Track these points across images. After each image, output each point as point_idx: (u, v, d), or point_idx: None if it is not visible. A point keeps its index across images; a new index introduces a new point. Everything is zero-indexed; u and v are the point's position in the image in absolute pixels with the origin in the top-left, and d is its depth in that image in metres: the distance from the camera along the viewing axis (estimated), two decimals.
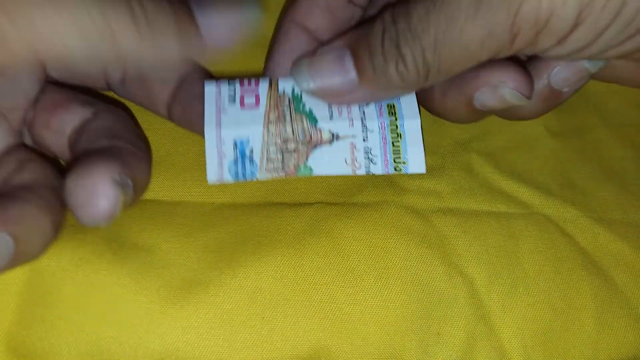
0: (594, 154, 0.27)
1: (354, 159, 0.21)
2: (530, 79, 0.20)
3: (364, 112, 0.22)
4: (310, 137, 0.21)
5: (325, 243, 0.23)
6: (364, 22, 0.20)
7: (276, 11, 0.26)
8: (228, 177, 0.20)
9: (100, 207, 0.16)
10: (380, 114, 0.22)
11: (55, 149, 0.21)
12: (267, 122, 0.21)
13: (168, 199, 0.23)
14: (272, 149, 0.21)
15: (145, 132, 0.23)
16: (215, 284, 0.21)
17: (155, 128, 0.24)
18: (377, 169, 0.21)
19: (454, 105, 0.21)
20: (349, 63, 0.20)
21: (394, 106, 0.22)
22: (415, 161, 0.21)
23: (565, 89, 0.21)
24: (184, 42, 0.18)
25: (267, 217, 0.23)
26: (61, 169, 0.20)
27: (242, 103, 0.22)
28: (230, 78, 0.22)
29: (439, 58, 0.17)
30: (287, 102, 0.22)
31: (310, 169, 0.21)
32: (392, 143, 0.21)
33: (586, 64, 0.19)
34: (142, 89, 0.21)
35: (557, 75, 0.20)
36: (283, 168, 0.21)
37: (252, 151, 0.21)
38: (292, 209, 0.24)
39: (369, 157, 0.21)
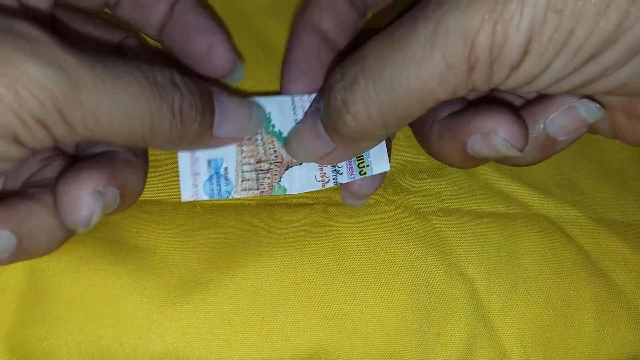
0: (594, 155, 0.27)
1: (323, 175, 0.22)
2: (524, 129, 0.19)
3: None
4: (282, 158, 0.22)
5: (326, 243, 0.23)
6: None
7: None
8: (203, 195, 0.21)
9: (80, 215, 0.17)
10: None
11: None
12: (240, 143, 0.22)
13: (168, 199, 0.23)
14: (247, 168, 0.22)
15: None
16: (215, 284, 0.21)
17: None
18: (344, 178, 0.22)
19: (449, 151, 0.21)
20: (322, 129, 0.20)
21: None
22: (378, 162, 0.22)
23: (562, 137, 0.20)
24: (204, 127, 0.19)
25: (267, 218, 0.23)
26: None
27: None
28: None
29: (395, 100, 0.17)
30: None
31: (284, 189, 0.22)
32: None
33: (583, 113, 0.19)
34: (136, 11, 0.23)
35: (554, 122, 0.19)
36: (258, 187, 0.22)
37: (226, 170, 0.22)
38: (292, 209, 0.24)
39: (335, 170, 0.22)
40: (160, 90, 0.17)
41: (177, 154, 0.21)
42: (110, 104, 0.16)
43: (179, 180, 0.21)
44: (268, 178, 0.22)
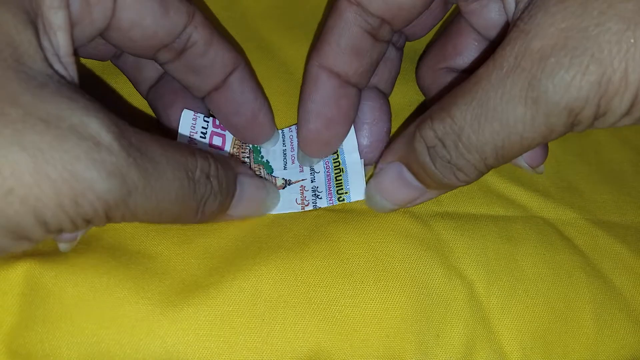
0: (593, 156, 0.28)
1: (303, 198, 0.24)
2: (545, 151, 0.21)
3: None
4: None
5: (325, 247, 0.23)
6: (403, 130, 0.21)
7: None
8: None
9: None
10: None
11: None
12: None
13: None
14: None
15: None
16: (215, 287, 0.21)
17: None
18: (323, 203, 0.24)
19: None
20: (410, 177, 0.21)
21: None
22: (356, 190, 0.24)
23: None
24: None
25: (268, 225, 0.23)
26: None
27: (211, 141, 0.24)
28: (205, 115, 0.24)
29: (500, 159, 0.18)
30: (247, 153, 0.24)
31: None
32: (335, 178, 0.24)
33: None
34: (190, 75, 0.23)
35: None
36: None
37: None
38: (292, 216, 0.24)
39: (316, 194, 0.24)
40: (195, 188, 0.18)
41: None
42: (151, 204, 0.17)
43: None
44: None
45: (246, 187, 0.22)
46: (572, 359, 0.23)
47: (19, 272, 0.20)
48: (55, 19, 0.17)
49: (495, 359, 0.22)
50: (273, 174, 0.25)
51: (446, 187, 0.21)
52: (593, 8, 0.15)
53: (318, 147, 0.23)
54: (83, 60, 0.26)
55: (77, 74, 0.17)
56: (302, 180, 0.24)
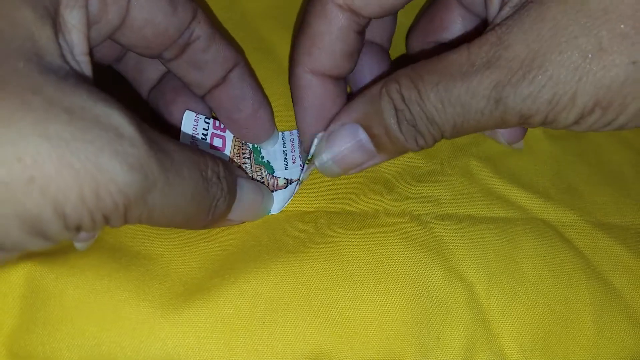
0: (593, 158, 0.27)
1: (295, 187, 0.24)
2: (523, 129, 0.23)
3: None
4: (269, 184, 0.24)
5: (325, 249, 0.23)
6: (362, 90, 0.21)
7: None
8: None
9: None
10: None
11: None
12: None
13: None
14: None
15: None
16: (216, 289, 0.21)
17: None
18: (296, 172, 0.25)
19: None
20: (365, 138, 0.21)
21: None
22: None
23: None
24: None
25: (268, 228, 0.23)
26: None
27: (211, 142, 0.24)
28: (206, 116, 0.24)
29: (455, 134, 0.20)
30: (247, 153, 0.24)
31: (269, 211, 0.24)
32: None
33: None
34: (191, 71, 0.23)
35: None
36: None
37: None
38: (292, 219, 0.24)
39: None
40: (208, 187, 0.19)
41: None
42: (168, 203, 0.17)
43: None
44: None
45: (245, 190, 0.22)
46: None
47: (19, 274, 0.20)
48: (71, 17, 0.17)
49: None
50: (275, 174, 0.25)
51: (400, 152, 0.21)
52: (561, 36, 0.17)
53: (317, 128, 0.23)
54: None
55: (92, 73, 0.17)
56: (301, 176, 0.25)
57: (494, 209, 0.25)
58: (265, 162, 0.25)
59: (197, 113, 0.24)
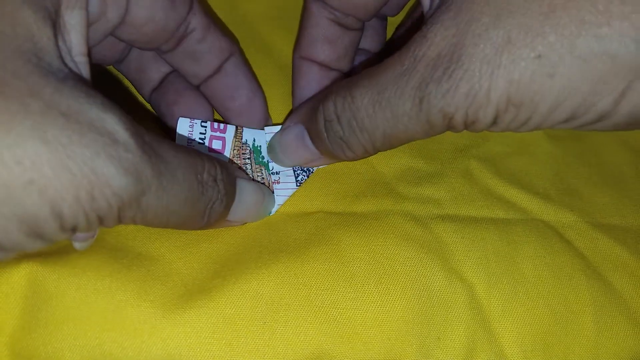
0: (593, 158, 0.28)
1: (296, 177, 0.25)
2: None
3: None
4: (268, 184, 0.24)
5: (326, 250, 0.23)
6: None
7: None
8: None
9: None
10: None
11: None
12: None
13: None
14: None
15: None
16: (217, 290, 0.21)
17: None
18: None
19: None
20: (309, 141, 0.22)
21: None
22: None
23: None
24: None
25: (269, 228, 0.23)
26: None
27: (210, 145, 0.24)
28: (202, 120, 0.24)
29: (386, 144, 0.20)
30: (248, 153, 0.25)
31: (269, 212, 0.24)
32: None
33: None
34: (187, 62, 0.24)
35: None
36: None
37: None
38: (293, 220, 0.24)
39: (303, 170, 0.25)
40: (203, 190, 0.19)
41: None
42: (161, 206, 0.17)
43: None
44: None
45: (245, 191, 0.22)
46: None
47: (21, 275, 0.20)
48: (70, 18, 0.17)
49: None
50: (274, 174, 0.25)
51: (336, 159, 0.22)
52: (475, 28, 0.16)
53: None
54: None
55: (90, 74, 0.18)
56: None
57: (494, 210, 0.25)
58: (266, 162, 0.25)
59: (192, 118, 0.24)
